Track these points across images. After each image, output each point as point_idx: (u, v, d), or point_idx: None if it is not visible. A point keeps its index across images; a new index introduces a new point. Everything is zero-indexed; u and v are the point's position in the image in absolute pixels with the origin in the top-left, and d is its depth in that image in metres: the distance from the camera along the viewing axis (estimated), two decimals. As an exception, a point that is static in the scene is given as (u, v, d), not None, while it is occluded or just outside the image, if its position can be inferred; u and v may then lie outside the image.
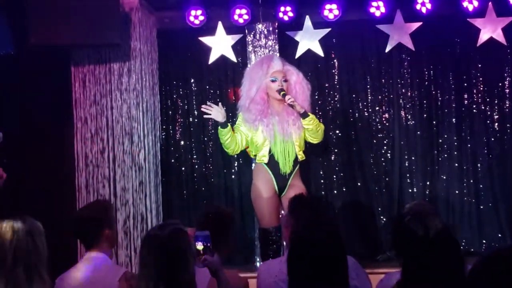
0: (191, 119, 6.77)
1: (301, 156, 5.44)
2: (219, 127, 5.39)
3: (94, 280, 3.44)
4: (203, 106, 5.46)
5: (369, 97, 6.67)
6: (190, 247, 2.67)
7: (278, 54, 6.27)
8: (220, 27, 6.34)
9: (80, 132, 6.11)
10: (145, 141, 6.14)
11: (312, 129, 5.34)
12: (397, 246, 2.49)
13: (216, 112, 5.35)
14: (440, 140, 6.61)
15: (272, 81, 5.37)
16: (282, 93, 5.31)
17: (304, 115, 5.29)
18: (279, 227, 5.50)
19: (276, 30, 6.39)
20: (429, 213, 2.45)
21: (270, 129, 5.34)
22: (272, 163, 5.39)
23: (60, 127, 6.19)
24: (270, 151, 5.38)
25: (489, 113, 6.58)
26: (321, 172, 6.64)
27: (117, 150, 6.08)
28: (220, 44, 6.37)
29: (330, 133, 6.62)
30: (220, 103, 5.44)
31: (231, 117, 6.55)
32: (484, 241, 6.46)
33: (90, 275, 3.46)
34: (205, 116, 5.50)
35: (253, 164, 5.86)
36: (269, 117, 5.37)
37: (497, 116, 6.58)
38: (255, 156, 5.53)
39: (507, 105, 6.57)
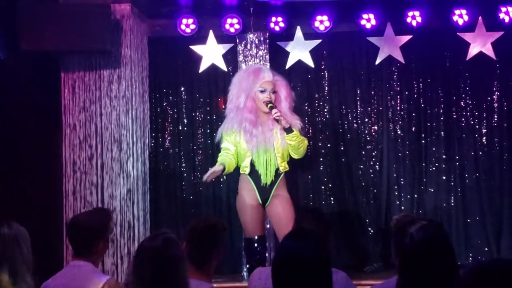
0: (180, 127, 6.76)
1: (283, 167, 5.40)
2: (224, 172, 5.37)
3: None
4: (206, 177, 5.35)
5: (359, 109, 6.69)
6: (183, 256, 2.66)
7: (268, 65, 6.29)
8: (211, 36, 6.35)
9: (69, 138, 6.08)
10: (133, 148, 6.12)
11: (294, 145, 5.31)
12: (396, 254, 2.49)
13: (212, 175, 5.32)
14: (428, 153, 6.63)
15: (261, 91, 5.36)
16: (269, 105, 5.28)
17: (288, 131, 5.26)
18: (263, 236, 5.50)
19: (267, 40, 6.40)
20: (418, 223, 2.45)
21: (253, 140, 5.31)
22: (254, 174, 5.37)
23: (48, 133, 6.16)
24: (252, 162, 5.36)
25: (477, 127, 6.62)
26: (310, 183, 6.64)
27: (105, 157, 6.06)
28: (211, 53, 6.38)
29: (319, 144, 6.64)
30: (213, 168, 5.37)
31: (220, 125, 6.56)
32: (470, 254, 6.48)
33: (73, 282, 3.43)
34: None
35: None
36: (255, 126, 5.34)
37: (485, 130, 6.61)
38: (240, 166, 5.52)
39: (495, 119, 6.61)
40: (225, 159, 5.37)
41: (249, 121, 5.31)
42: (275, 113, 5.23)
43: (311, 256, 2.34)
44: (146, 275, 2.56)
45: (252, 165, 5.36)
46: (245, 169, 5.37)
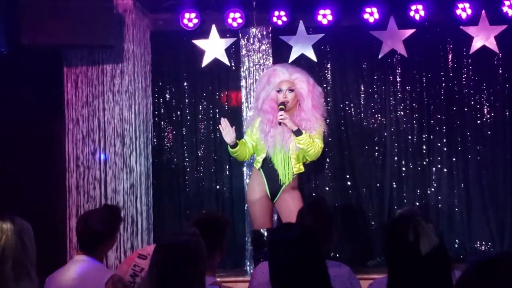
0: (183, 122, 6.76)
1: (297, 169, 5.40)
2: (228, 146, 5.39)
3: (81, 282, 3.42)
4: (222, 118, 5.40)
5: (362, 103, 6.68)
6: (203, 257, 2.64)
7: (271, 59, 6.28)
8: (214, 30, 6.34)
9: (72, 133, 6.10)
10: (136, 143, 6.13)
11: (303, 148, 5.27)
12: (386, 252, 2.50)
13: (226, 133, 5.30)
14: (431, 147, 6.63)
15: (278, 91, 5.35)
16: (280, 106, 5.27)
17: (297, 133, 5.23)
18: (271, 229, 5.51)
19: (270, 35, 6.39)
20: (421, 219, 2.44)
21: (270, 140, 5.32)
22: (267, 168, 5.38)
23: (51, 127, 6.17)
24: (268, 159, 5.36)
25: (480, 120, 6.60)
26: (312, 177, 6.63)
27: (108, 151, 6.07)
28: (213, 48, 6.37)
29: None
30: (234, 127, 5.36)
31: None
32: (474, 248, 6.48)
33: (78, 276, 3.44)
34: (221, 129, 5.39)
35: (244, 166, 5.87)
36: (274, 127, 5.34)
37: (488, 124, 6.60)
38: (254, 160, 5.55)
39: (498, 113, 6.59)
40: (242, 143, 5.41)
41: (267, 121, 5.32)
42: (280, 115, 5.21)
43: (299, 248, 2.37)
44: (163, 273, 2.55)
45: (265, 161, 5.36)
46: (257, 163, 5.41)
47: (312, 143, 5.27)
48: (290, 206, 5.32)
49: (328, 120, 6.61)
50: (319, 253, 2.46)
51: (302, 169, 5.44)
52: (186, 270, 2.56)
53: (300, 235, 2.47)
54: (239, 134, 5.72)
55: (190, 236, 2.64)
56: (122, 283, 3.43)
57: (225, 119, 5.37)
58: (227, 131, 5.29)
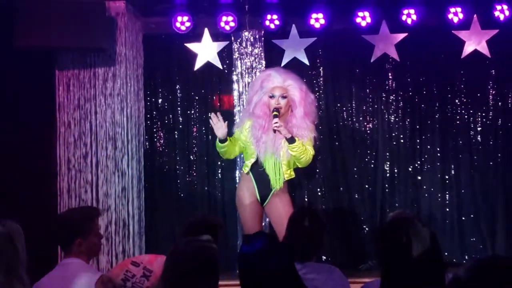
0: (175, 125, 6.75)
1: (288, 175, 5.37)
2: (217, 140, 5.32)
3: (71, 284, 3.39)
4: (212, 113, 5.34)
5: (354, 107, 6.69)
6: (217, 265, 2.61)
7: (264, 63, 6.28)
8: (206, 33, 6.34)
9: (63, 136, 6.08)
10: (128, 146, 6.12)
11: (295, 155, 5.23)
12: (379, 254, 2.51)
13: (219, 127, 5.25)
14: (423, 151, 6.64)
15: (270, 97, 5.32)
16: (274, 113, 5.22)
17: (290, 141, 5.18)
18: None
19: (262, 38, 6.40)
20: (414, 222, 2.45)
21: (262, 146, 5.29)
22: (257, 173, 5.36)
23: (43, 131, 6.14)
24: (256, 163, 5.34)
25: (472, 125, 6.62)
26: (304, 180, 6.64)
27: (100, 155, 6.05)
28: (206, 51, 6.37)
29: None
30: (226, 122, 5.30)
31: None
32: (465, 252, 6.49)
33: (64, 280, 3.40)
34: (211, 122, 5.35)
35: (237, 170, 5.85)
36: (266, 132, 5.32)
37: (480, 128, 6.62)
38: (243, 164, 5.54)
39: (490, 117, 6.61)
40: (232, 141, 5.37)
41: (259, 126, 5.29)
42: (275, 123, 5.15)
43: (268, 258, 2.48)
44: (176, 280, 2.52)
45: (255, 165, 5.33)
46: (246, 168, 5.37)
47: (305, 150, 5.24)
48: (280, 210, 5.32)
49: (320, 125, 6.67)
50: (288, 265, 2.46)
51: (292, 175, 5.42)
52: (200, 278, 2.52)
53: (268, 247, 2.48)
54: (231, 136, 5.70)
55: (204, 243, 2.61)
56: (112, 282, 3.41)
57: (216, 114, 5.30)
58: (219, 125, 5.25)
